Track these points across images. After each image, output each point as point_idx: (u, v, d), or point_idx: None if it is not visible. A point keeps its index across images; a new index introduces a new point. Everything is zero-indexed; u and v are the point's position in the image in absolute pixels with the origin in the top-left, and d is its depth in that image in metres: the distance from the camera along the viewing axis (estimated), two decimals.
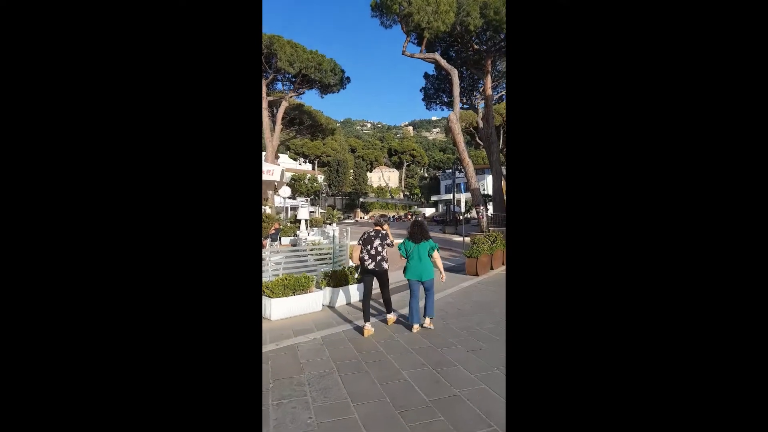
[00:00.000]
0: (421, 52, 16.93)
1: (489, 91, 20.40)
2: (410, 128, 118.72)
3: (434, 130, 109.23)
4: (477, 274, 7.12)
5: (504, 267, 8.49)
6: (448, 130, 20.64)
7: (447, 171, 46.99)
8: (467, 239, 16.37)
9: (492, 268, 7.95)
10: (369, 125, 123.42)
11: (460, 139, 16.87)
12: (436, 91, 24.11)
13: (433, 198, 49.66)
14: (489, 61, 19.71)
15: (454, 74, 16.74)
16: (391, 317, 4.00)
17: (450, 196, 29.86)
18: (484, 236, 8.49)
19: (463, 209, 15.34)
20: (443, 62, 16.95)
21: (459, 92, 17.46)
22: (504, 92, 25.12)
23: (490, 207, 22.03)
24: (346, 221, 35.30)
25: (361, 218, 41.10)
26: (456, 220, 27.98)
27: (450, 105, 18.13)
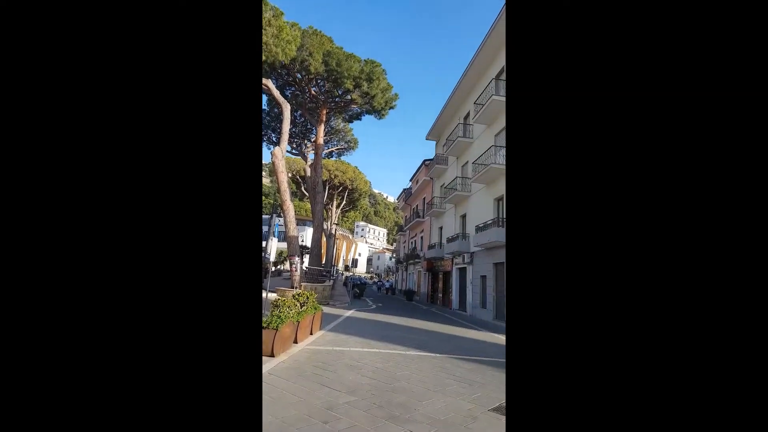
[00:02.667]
0: None
1: (321, 141, 19.94)
2: None
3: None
4: (273, 354, 4.72)
5: (314, 338, 6.40)
6: (272, 171, 18.52)
7: (266, 216, 43.59)
8: (273, 295, 13.73)
9: (296, 342, 5.72)
10: None
11: (284, 177, 14.92)
12: (264, 128, 22.10)
13: None
14: (324, 111, 19.53)
15: (286, 108, 15.23)
16: None
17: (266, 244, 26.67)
18: (293, 296, 6.32)
19: (272, 258, 12.86)
20: (275, 92, 15.25)
21: (289, 129, 15.96)
22: (335, 149, 25.73)
23: (306, 260, 20.38)
24: None
25: None
26: (266, 270, 24.77)
27: (278, 144, 16.31)
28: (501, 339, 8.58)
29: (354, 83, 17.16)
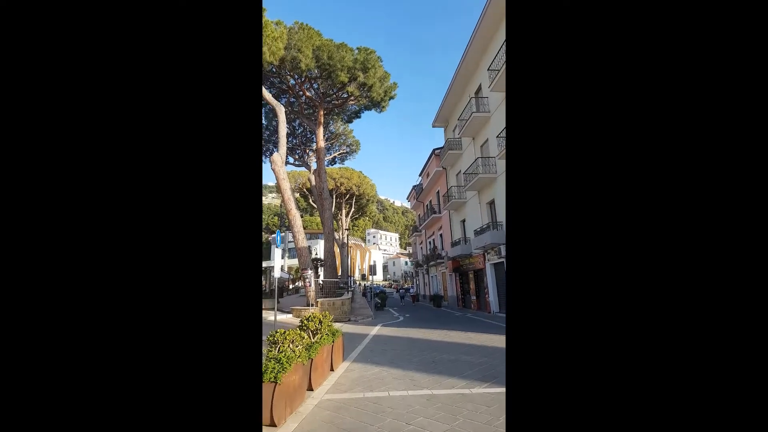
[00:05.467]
0: None
1: (321, 144, 18.46)
2: None
3: (270, 195, 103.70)
4: (273, 423, 3.06)
5: (335, 377, 4.71)
6: (277, 188, 17.06)
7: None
8: (289, 316, 12.09)
9: (311, 388, 4.04)
10: None
11: (286, 185, 13.42)
12: (265, 143, 20.83)
13: (264, 264, 43.14)
14: (321, 112, 18.09)
15: (280, 111, 13.79)
16: None
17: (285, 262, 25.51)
18: (302, 322, 4.68)
19: (277, 274, 11.34)
20: (267, 95, 13.82)
21: (286, 134, 14.51)
22: (337, 154, 24.28)
23: (321, 273, 18.80)
24: None
25: None
26: (283, 288, 23.32)
27: (277, 150, 14.88)
28: None
29: (349, 75, 15.68)
